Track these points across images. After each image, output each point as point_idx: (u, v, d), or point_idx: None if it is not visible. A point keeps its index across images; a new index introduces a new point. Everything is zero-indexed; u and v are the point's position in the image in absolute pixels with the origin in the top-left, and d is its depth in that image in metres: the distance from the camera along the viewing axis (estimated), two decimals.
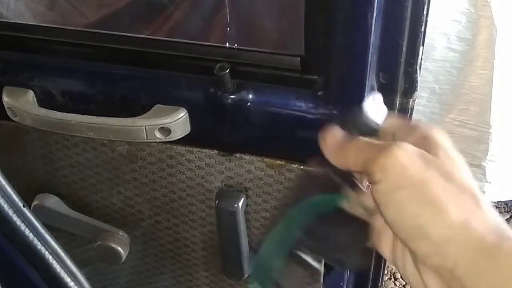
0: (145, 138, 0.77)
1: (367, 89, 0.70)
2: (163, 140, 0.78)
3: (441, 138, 0.42)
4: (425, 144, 0.41)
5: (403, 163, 0.39)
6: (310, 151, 0.78)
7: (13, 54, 0.84)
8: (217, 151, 0.82)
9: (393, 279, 1.94)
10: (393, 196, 0.39)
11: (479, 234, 0.37)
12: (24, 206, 0.65)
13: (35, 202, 0.95)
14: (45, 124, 0.81)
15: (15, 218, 0.65)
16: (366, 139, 0.43)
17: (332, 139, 0.45)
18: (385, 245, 0.44)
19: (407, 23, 0.69)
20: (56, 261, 0.70)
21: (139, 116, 0.77)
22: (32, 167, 0.95)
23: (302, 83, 0.73)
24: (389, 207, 0.39)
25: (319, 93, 0.72)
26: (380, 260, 0.98)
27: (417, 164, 0.39)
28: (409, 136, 0.42)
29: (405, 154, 0.39)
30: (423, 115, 1.83)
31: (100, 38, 0.81)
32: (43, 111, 0.80)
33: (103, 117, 0.78)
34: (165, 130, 0.76)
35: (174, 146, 0.82)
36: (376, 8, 0.63)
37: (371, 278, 1.01)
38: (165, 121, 0.76)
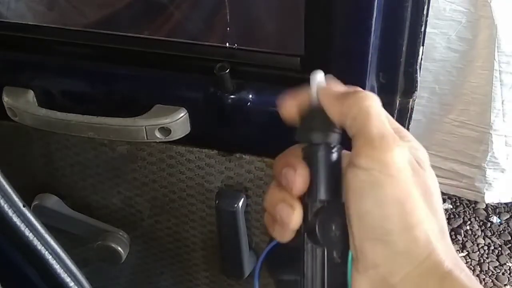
0: (145, 138, 0.77)
1: (367, 89, 0.70)
2: (163, 140, 0.78)
3: (427, 157, 0.41)
4: (416, 155, 0.40)
5: (397, 165, 0.37)
6: None
7: (13, 54, 0.84)
8: (217, 151, 0.82)
9: None
10: (373, 190, 0.37)
11: (438, 259, 0.37)
12: (24, 206, 0.65)
13: (35, 202, 0.95)
14: (45, 124, 0.81)
15: (15, 218, 0.65)
16: (375, 103, 0.40)
17: (335, 87, 0.43)
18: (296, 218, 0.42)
19: (407, 23, 0.69)
20: (56, 261, 0.70)
21: (139, 116, 0.77)
22: (32, 167, 0.95)
23: (302, 83, 0.73)
24: (364, 198, 0.38)
25: None
26: None
27: (408, 172, 0.38)
28: (403, 140, 0.40)
29: (402, 157, 0.38)
30: (423, 115, 1.83)
31: (100, 38, 0.81)
32: (43, 111, 0.80)
33: (103, 117, 0.78)
34: (165, 130, 0.76)
35: (174, 146, 0.82)
36: (376, 8, 0.63)
37: None
38: (165, 121, 0.76)
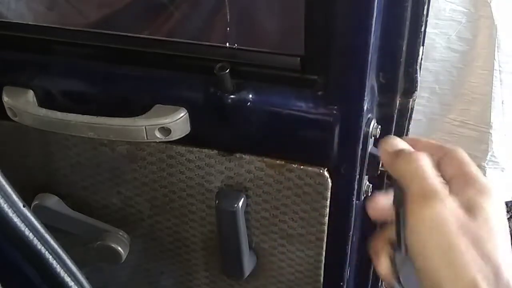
0: (145, 138, 0.77)
1: (367, 89, 0.70)
2: (163, 140, 0.78)
3: (490, 201, 0.43)
4: (471, 202, 0.42)
5: (437, 219, 0.40)
6: (310, 151, 0.79)
7: (13, 54, 0.84)
8: (217, 151, 0.82)
9: None
10: (420, 244, 0.41)
11: None
12: (24, 206, 0.65)
13: (35, 202, 0.95)
14: (45, 124, 0.81)
15: (15, 218, 0.64)
16: (422, 164, 0.44)
17: (392, 146, 0.48)
18: (383, 266, 0.48)
19: (407, 23, 0.69)
20: (56, 261, 0.70)
21: (139, 116, 0.77)
22: (32, 167, 0.95)
23: (302, 83, 0.73)
24: (416, 253, 0.41)
25: (319, 93, 0.72)
26: None
27: (452, 224, 0.40)
28: (467, 185, 0.43)
29: (443, 211, 0.41)
30: (423, 115, 1.83)
31: (100, 38, 0.81)
32: (43, 111, 0.80)
33: (103, 117, 0.78)
34: (165, 130, 0.77)
35: (174, 146, 0.82)
36: (376, 8, 0.63)
37: (371, 278, 1.01)
38: (165, 121, 0.76)
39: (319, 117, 0.73)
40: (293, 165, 0.79)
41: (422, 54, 0.73)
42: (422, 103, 1.80)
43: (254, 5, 0.83)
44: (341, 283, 0.93)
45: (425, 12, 0.68)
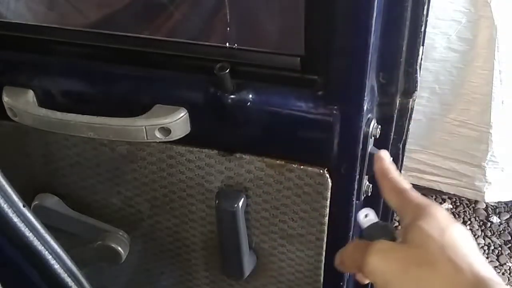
0: (145, 138, 0.77)
1: (367, 89, 0.70)
2: (163, 140, 0.78)
3: (426, 220, 0.47)
4: (407, 228, 0.48)
5: (380, 269, 0.46)
6: (310, 151, 0.79)
7: (13, 54, 0.84)
8: (217, 151, 0.82)
9: None
10: None
11: None
12: (24, 206, 0.66)
13: (35, 202, 0.95)
14: (45, 124, 0.81)
15: (15, 218, 0.65)
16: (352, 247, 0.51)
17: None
18: None
19: (407, 23, 0.69)
20: (56, 261, 0.70)
21: (139, 116, 0.77)
22: (32, 167, 0.95)
23: (302, 83, 0.73)
24: None
25: (319, 93, 0.72)
26: None
27: (393, 266, 0.45)
28: (406, 213, 0.49)
29: (381, 259, 0.46)
30: (423, 115, 1.83)
31: (100, 38, 0.81)
32: (43, 111, 0.80)
33: (103, 117, 0.78)
34: (165, 130, 0.77)
35: (174, 146, 0.82)
36: (376, 8, 0.63)
37: None
38: (165, 121, 0.76)
39: (319, 117, 0.73)
40: (293, 165, 0.79)
41: (422, 54, 0.73)
42: (422, 103, 1.80)
43: (254, 5, 0.83)
44: (341, 283, 0.93)
45: (425, 12, 0.68)
